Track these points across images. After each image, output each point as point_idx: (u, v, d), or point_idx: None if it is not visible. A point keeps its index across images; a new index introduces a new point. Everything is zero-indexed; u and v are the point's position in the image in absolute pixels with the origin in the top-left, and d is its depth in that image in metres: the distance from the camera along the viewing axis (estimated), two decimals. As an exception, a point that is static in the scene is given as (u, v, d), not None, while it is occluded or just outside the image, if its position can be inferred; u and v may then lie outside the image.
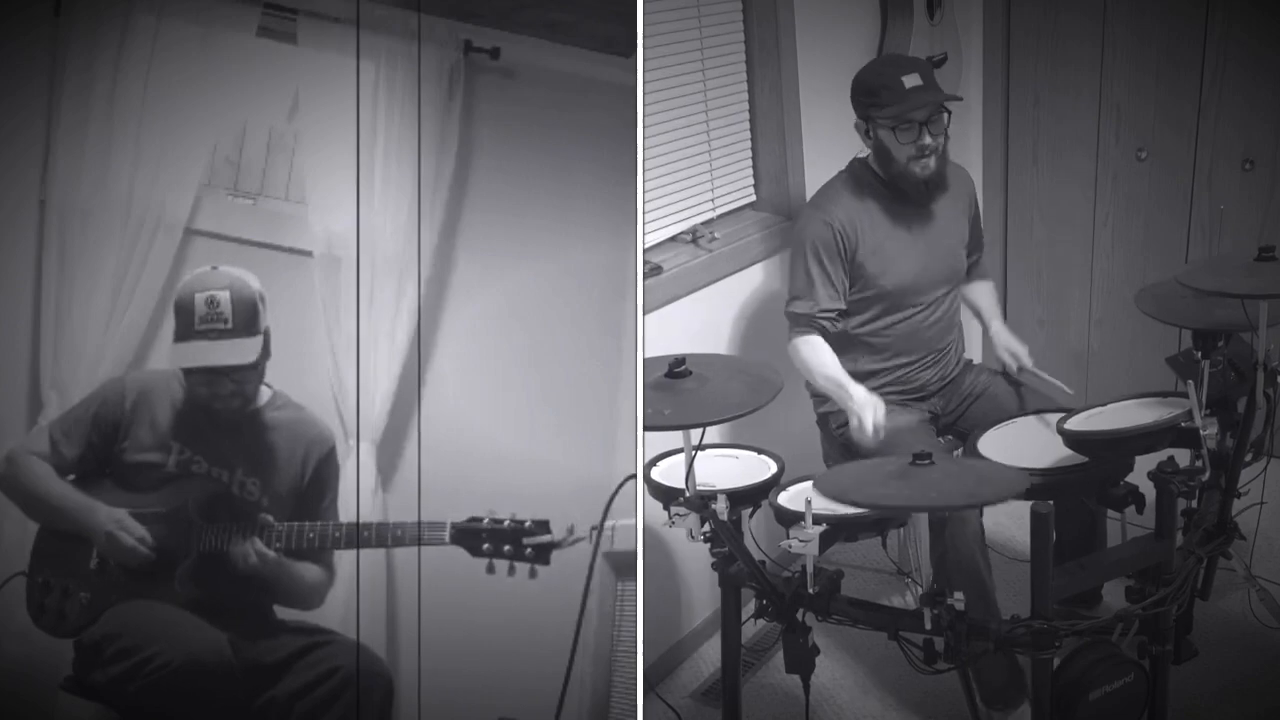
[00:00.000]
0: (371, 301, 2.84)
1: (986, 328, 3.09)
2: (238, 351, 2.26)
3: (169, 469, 2.30)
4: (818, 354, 2.76)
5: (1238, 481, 2.43)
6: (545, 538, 2.25)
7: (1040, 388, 2.90)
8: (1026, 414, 2.72)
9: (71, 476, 2.31)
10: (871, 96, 2.73)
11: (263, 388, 2.40)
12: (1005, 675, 2.60)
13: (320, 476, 2.44)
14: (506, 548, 2.25)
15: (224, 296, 2.26)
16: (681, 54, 3.04)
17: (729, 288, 3.16)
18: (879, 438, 2.58)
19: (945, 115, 2.74)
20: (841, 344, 2.85)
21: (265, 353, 2.33)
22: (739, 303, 3.20)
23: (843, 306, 2.80)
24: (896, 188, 2.80)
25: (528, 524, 2.26)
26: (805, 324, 2.79)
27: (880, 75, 2.75)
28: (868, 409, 2.60)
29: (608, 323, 2.97)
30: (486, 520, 2.26)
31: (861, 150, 2.86)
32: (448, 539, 2.26)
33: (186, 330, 2.26)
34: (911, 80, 2.68)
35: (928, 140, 2.71)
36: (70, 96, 2.66)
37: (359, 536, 2.30)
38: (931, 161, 2.75)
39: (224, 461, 2.34)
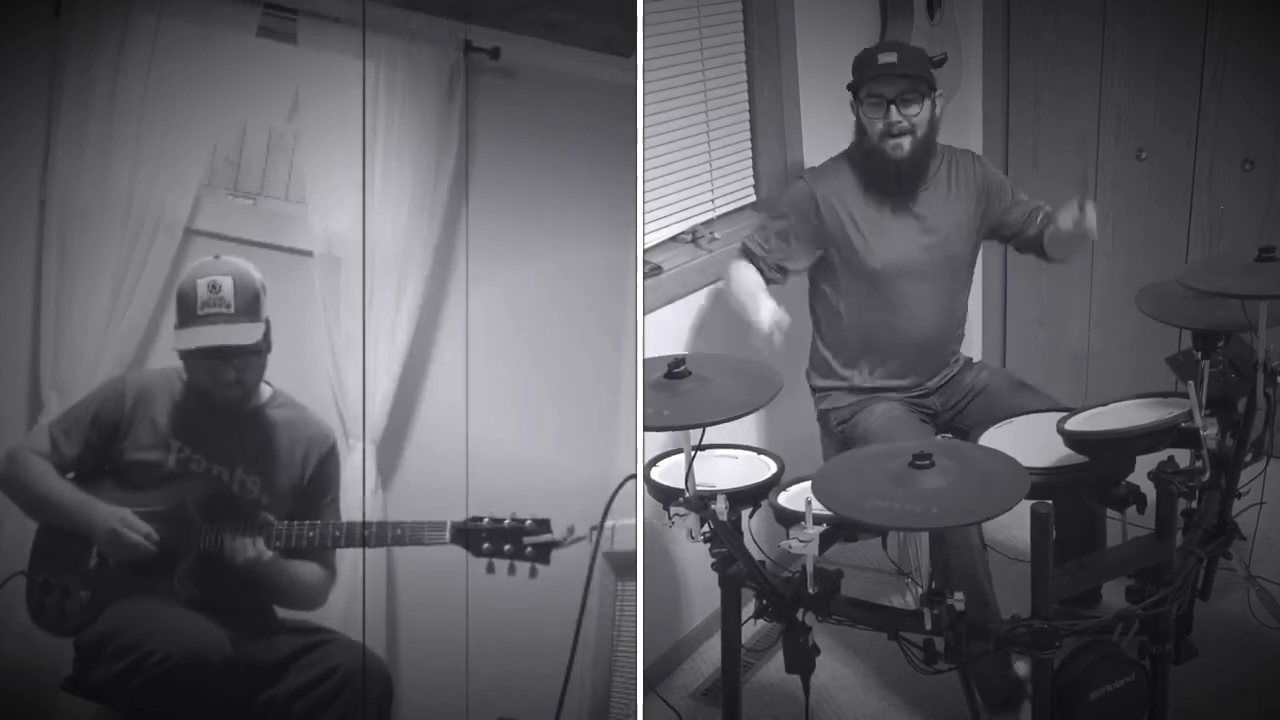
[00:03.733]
0: (371, 301, 2.84)
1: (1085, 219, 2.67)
2: (241, 333, 2.27)
3: (169, 467, 2.31)
4: (743, 272, 2.86)
5: (1238, 481, 2.43)
6: (545, 537, 2.26)
7: (1031, 377, 2.93)
8: (1026, 413, 2.72)
9: (71, 475, 2.31)
10: (854, 73, 2.80)
11: (263, 386, 2.41)
12: (1004, 682, 2.61)
13: (321, 475, 2.44)
14: (507, 547, 2.25)
15: (226, 282, 2.27)
16: (681, 54, 3.05)
17: (729, 288, 3.16)
18: (776, 338, 2.63)
19: (922, 99, 2.75)
20: (840, 344, 2.87)
21: (267, 342, 2.34)
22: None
23: (787, 265, 2.87)
24: (876, 170, 2.81)
25: (528, 523, 2.26)
26: (745, 255, 2.90)
27: (866, 52, 2.82)
28: (767, 311, 2.66)
29: (608, 323, 2.97)
30: (487, 520, 2.26)
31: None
32: (448, 538, 2.26)
33: (188, 316, 2.27)
34: (886, 57, 2.74)
35: (895, 118, 2.73)
36: (70, 96, 2.66)
37: (360, 536, 2.29)
38: (905, 143, 2.75)
39: (224, 460, 2.34)
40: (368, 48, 2.85)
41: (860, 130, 2.82)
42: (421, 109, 2.90)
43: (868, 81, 2.75)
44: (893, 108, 2.72)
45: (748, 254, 2.90)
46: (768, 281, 2.84)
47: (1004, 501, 1.94)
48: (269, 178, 2.99)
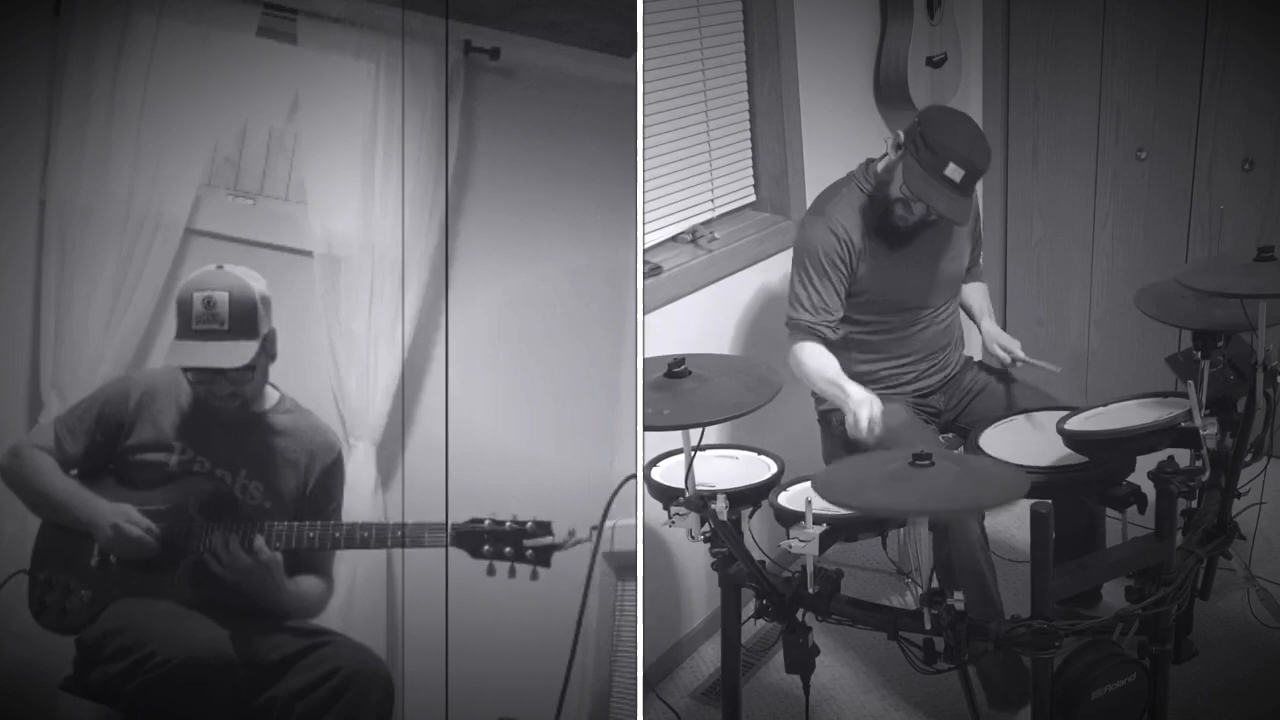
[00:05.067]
0: (371, 301, 2.85)
1: (978, 325, 3.08)
2: (230, 354, 2.25)
3: (171, 468, 2.30)
4: (817, 359, 2.74)
5: (1238, 481, 2.43)
6: (546, 540, 2.25)
7: (1031, 377, 2.92)
8: (1027, 411, 2.72)
9: (74, 472, 2.31)
10: (926, 149, 2.63)
11: (269, 390, 2.40)
12: (1010, 676, 2.60)
13: (325, 484, 2.42)
14: (507, 550, 2.24)
15: (221, 298, 2.26)
16: (681, 54, 3.05)
17: (729, 288, 3.16)
18: (875, 434, 2.57)
19: None
20: (838, 345, 2.86)
21: (266, 356, 2.33)
22: (739, 303, 3.20)
23: (839, 313, 2.78)
24: (890, 217, 2.77)
25: (529, 525, 2.25)
26: (805, 332, 2.76)
27: (946, 137, 2.65)
28: (864, 406, 2.58)
29: (608, 323, 2.97)
30: (487, 522, 2.25)
31: (876, 154, 2.83)
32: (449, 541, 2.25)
33: (184, 329, 2.27)
34: (954, 172, 2.61)
35: (920, 213, 2.70)
36: (70, 96, 2.66)
37: (360, 537, 2.29)
38: (913, 218, 2.73)
39: (227, 463, 2.33)
40: (367, 48, 2.86)
41: (887, 178, 2.73)
42: (421, 109, 2.90)
43: (924, 187, 2.61)
44: (926, 208, 2.66)
45: (803, 330, 2.75)
46: (829, 343, 2.75)
47: (1003, 494, 1.95)
48: (269, 178, 2.98)
